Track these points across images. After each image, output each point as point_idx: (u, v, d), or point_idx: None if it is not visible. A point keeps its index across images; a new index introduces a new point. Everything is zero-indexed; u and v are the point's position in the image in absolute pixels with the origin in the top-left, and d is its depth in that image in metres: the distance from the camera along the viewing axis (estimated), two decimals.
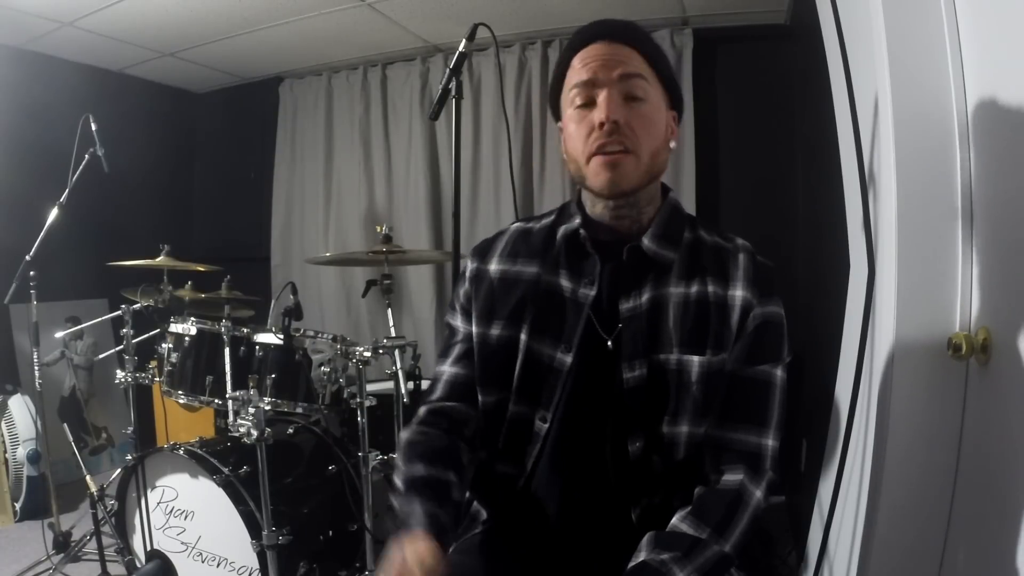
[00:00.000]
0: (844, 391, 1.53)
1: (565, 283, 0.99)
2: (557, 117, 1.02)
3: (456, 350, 1.06)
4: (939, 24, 1.08)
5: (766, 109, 2.96)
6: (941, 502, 1.10)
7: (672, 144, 0.99)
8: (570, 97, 0.95)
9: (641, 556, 0.87)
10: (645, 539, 0.89)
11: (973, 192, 1.06)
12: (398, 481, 0.95)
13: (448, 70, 1.60)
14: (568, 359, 0.96)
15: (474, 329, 1.03)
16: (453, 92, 1.62)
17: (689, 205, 3.00)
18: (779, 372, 0.96)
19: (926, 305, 1.09)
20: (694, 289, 0.96)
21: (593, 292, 0.97)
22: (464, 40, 1.59)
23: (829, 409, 1.73)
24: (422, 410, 1.06)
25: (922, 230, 1.10)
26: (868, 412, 1.29)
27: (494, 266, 1.05)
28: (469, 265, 1.08)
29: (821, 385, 1.90)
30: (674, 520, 0.91)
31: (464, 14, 2.89)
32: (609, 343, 0.96)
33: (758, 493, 0.91)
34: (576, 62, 0.95)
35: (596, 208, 1.00)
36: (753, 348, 0.94)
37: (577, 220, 1.00)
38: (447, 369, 1.07)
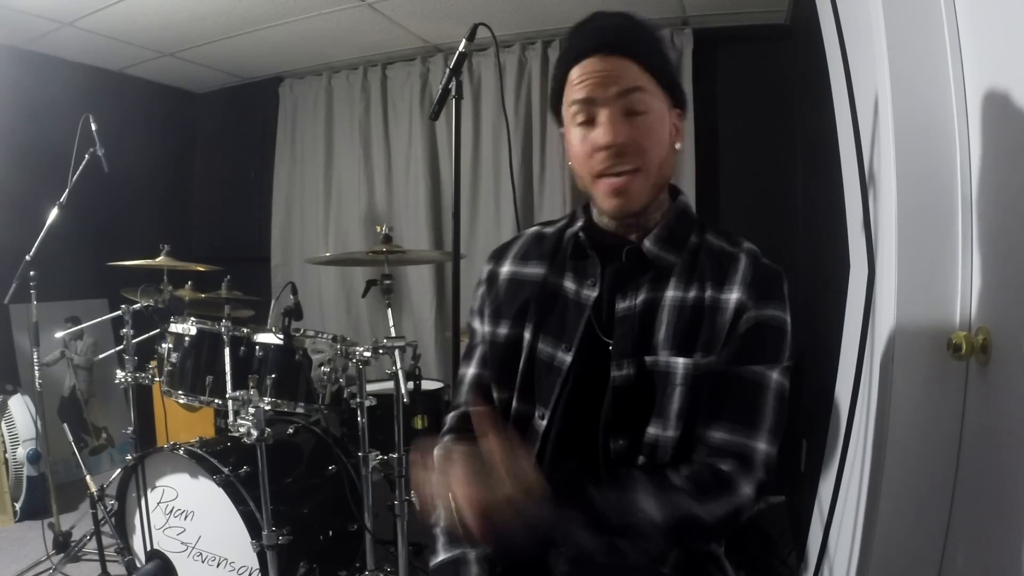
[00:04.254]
0: (844, 391, 1.53)
1: (569, 284, 1.01)
2: (560, 123, 1.02)
3: (478, 352, 1.08)
4: (939, 24, 1.08)
5: (766, 109, 2.96)
6: (941, 502, 1.10)
7: (678, 145, 0.98)
8: (571, 113, 0.95)
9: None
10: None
11: (973, 192, 1.06)
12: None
13: (448, 70, 1.60)
14: (568, 358, 0.97)
15: (486, 328, 1.06)
16: (453, 92, 1.62)
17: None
18: (774, 376, 0.92)
19: (926, 305, 1.10)
20: (692, 294, 0.95)
21: (595, 293, 0.98)
22: (464, 40, 1.59)
23: (829, 409, 1.73)
24: (450, 417, 1.09)
25: (922, 230, 1.10)
26: (868, 412, 1.29)
27: (506, 268, 1.08)
28: (485, 268, 1.11)
29: (821, 385, 1.90)
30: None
31: (464, 14, 2.89)
32: (611, 345, 0.96)
33: (746, 489, 0.87)
34: (573, 76, 0.93)
35: (603, 219, 1.01)
36: (744, 349, 0.92)
37: (580, 223, 1.02)
38: (471, 371, 1.09)
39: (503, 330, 1.04)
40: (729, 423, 0.90)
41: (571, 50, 0.95)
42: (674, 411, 0.93)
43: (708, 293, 0.95)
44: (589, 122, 0.92)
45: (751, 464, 0.88)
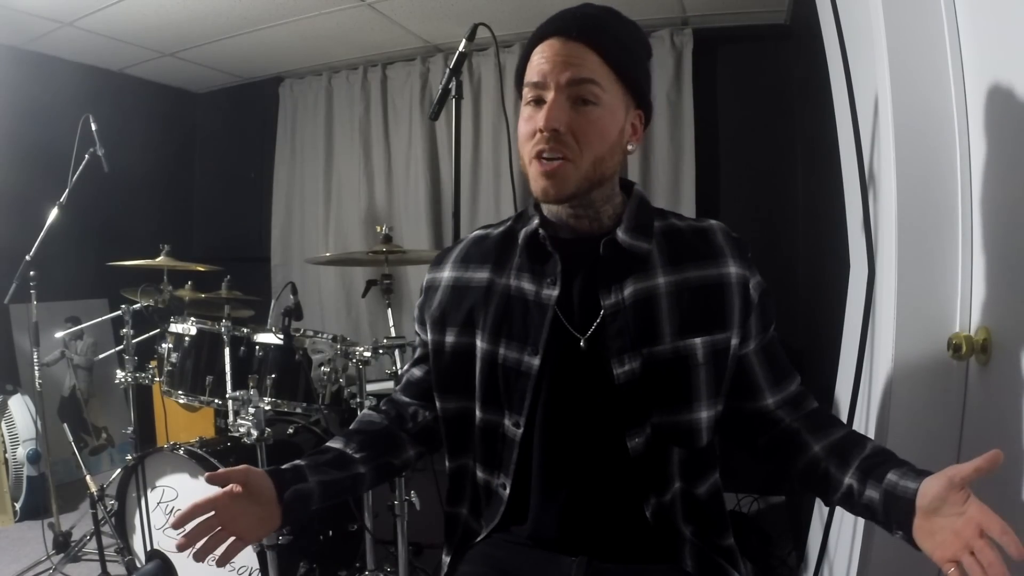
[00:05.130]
0: (844, 391, 1.53)
1: (526, 285, 0.98)
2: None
3: (416, 354, 1.13)
4: (939, 24, 1.08)
5: (766, 109, 2.96)
6: None
7: (631, 147, 0.96)
8: (524, 93, 0.93)
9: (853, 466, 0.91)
10: (835, 458, 0.93)
11: (973, 192, 1.06)
12: None
13: (448, 70, 1.60)
14: (536, 361, 0.94)
15: (429, 337, 1.04)
16: (453, 92, 1.62)
17: (689, 204, 3.00)
18: None
19: (926, 305, 1.09)
20: (686, 275, 0.95)
21: (556, 292, 0.95)
22: (464, 40, 1.59)
23: (829, 409, 1.73)
24: (388, 397, 1.16)
25: (922, 230, 1.10)
26: (868, 412, 1.29)
27: (447, 273, 1.05)
28: (425, 276, 1.09)
29: (821, 385, 1.90)
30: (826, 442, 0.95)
31: (464, 14, 2.89)
32: (582, 342, 0.94)
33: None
34: (534, 57, 0.92)
35: (552, 208, 0.98)
36: (765, 316, 0.99)
37: (536, 221, 0.98)
38: (407, 367, 1.14)
39: (450, 338, 1.01)
40: (787, 378, 1.02)
41: (536, 32, 0.94)
42: (704, 391, 0.93)
43: (704, 272, 0.95)
44: (537, 103, 0.91)
45: (809, 392, 1.04)
